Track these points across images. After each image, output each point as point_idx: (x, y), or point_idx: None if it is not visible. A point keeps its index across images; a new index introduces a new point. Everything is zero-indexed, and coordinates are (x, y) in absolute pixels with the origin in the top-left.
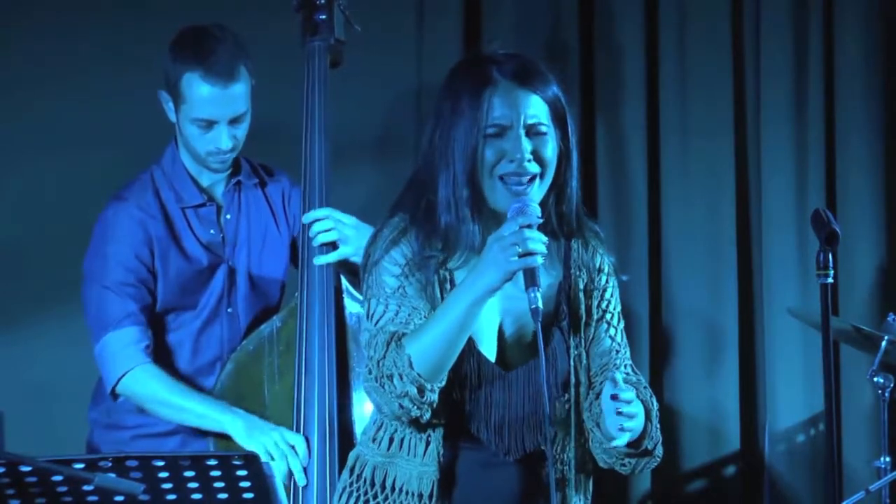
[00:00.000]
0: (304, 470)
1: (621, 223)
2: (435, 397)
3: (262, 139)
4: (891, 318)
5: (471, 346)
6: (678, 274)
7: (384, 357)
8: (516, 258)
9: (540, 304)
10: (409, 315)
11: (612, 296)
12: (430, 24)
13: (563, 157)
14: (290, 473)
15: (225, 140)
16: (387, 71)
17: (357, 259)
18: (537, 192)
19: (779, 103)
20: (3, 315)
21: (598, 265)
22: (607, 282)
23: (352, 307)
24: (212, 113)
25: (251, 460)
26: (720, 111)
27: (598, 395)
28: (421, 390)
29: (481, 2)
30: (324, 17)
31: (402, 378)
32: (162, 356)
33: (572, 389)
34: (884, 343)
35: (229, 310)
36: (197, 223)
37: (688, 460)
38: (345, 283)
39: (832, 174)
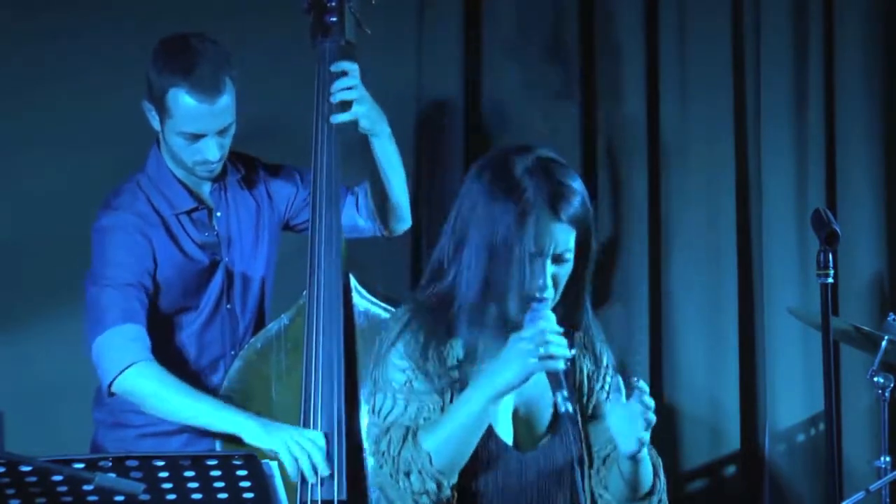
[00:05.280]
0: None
1: (621, 223)
2: (449, 493)
3: (262, 139)
4: (891, 318)
5: (489, 430)
6: (678, 273)
7: (399, 453)
8: (536, 360)
9: (570, 408)
10: (417, 410)
11: (612, 377)
12: (429, 25)
13: (581, 264)
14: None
15: (213, 151)
16: (387, 73)
17: (365, 123)
18: (548, 305)
19: (779, 103)
20: (3, 315)
21: (598, 354)
22: (607, 369)
23: (360, 305)
24: (199, 127)
25: (251, 460)
26: (720, 111)
27: (603, 461)
28: (439, 486)
29: (481, 3)
30: (334, 19)
31: (420, 474)
32: (169, 358)
33: (586, 468)
34: (884, 343)
35: (228, 306)
36: (191, 226)
37: (688, 460)
38: (353, 281)
39: (832, 174)
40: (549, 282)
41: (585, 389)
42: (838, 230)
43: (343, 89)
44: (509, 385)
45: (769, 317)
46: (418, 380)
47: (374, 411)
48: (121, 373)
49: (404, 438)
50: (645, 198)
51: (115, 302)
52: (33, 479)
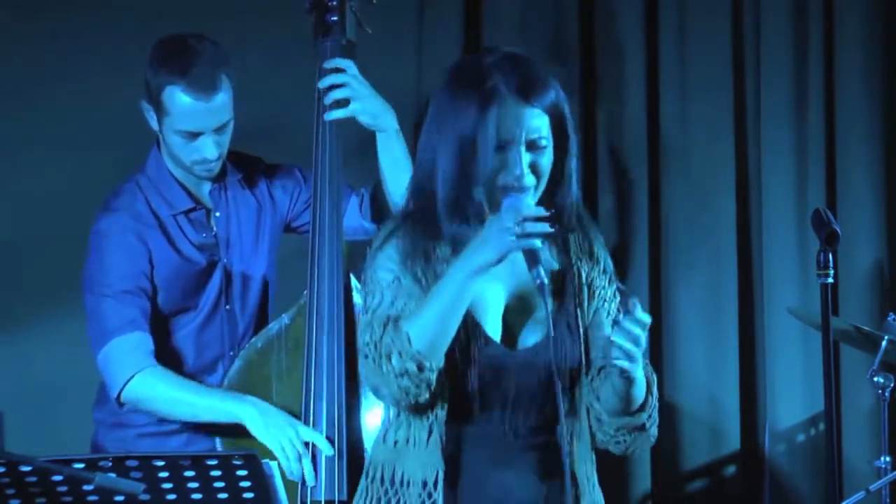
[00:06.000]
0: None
1: (621, 223)
2: (433, 377)
3: (262, 139)
4: (891, 318)
5: (476, 327)
6: (678, 274)
7: (381, 338)
8: (514, 238)
9: (545, 280)
10: (404, 304)
11: (610, 283)
12: (429, 24)
13: (562, 152)
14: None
15: (210, 149)
16: (387, 73)
17: (365, 119)
18: (531, 197)
19: (779, 103)
20: (3, 315)
21: (597, 257)
22: (604, 272)
23: (361, 304)
24: (196, 125)
25: (251, 460)
26: (720, 111)
27: (599, 371)
28: (420, 367)
29: (481, 3)
30: (335, 18)
31: (401, 356)
32: (167, 359)
33: (583, 374)
34: (884, 343)
35: (227, 307)
36: (189, 227)
37: (688, 460)
38: (354, 280)
39: (832, 174)
40: (527, 169)
41: (585, 294)
42: (838, 230)
43: (334, 87)
44: (486, 262)
45: (769, 317)
46: (406, 278)
47: (364, 311)
48: (126, 384)
49: (385, 325)
50: (645, 198)
51: (115, 310)
52: (33, 479)
